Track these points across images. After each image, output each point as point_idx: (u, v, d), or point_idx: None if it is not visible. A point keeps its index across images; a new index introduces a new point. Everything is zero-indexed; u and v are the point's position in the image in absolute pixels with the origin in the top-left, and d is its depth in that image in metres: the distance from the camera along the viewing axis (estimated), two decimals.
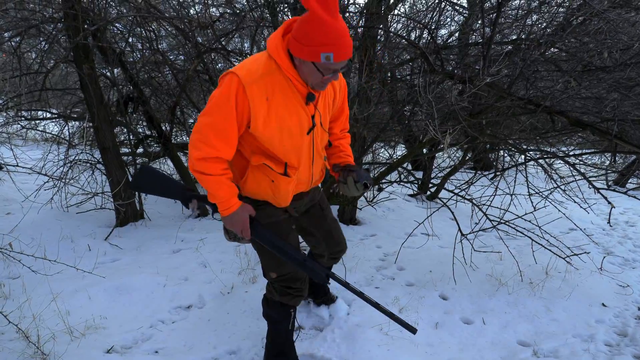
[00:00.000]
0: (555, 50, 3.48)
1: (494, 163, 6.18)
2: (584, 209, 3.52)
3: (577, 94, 2.80)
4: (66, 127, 4.96)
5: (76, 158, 4.67)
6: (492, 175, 4.85)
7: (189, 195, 1.81)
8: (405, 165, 5.17)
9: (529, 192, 3.47)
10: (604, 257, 3.67)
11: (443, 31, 5.19)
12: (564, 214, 3.59)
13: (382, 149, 6.39)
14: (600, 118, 2.71)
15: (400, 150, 7.05)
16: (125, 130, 4.94)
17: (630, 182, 7.58)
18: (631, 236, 4.75)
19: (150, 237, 3.85)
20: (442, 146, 2.75)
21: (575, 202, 3.51)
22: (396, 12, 4.07)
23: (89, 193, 4.43)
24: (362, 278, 3.10)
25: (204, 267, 3.16)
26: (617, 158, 7.49)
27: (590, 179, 3.17)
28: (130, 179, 1.90)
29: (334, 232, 2.10)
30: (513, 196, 3.56)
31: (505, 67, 2.72)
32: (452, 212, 3.37)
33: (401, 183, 4.57)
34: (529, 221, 3.35)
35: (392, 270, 3.28)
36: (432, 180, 5.53)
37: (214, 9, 4.79)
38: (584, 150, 4.06)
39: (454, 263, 3.13)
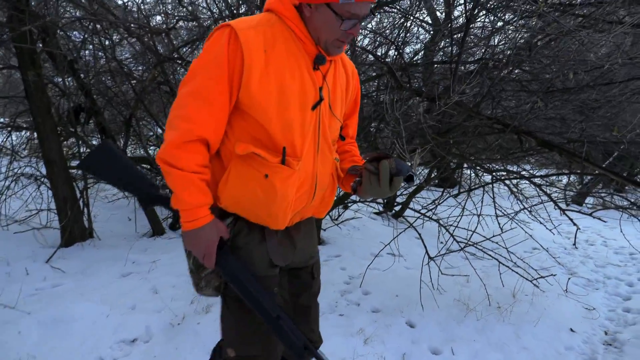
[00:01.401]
0: (518, 71, 3.48)
1: (459, 180, 6.18)
2: (550, 230, 3.50)
3: (544, 115, 2.77)
4: (9, 138, 4.60)
5: (19, 172, 4.33)
6: (458, 194, 4.81)
7: (150, 193, 1.38)
8: None
9: (496, 213, 3.42)
10: (569, 279, 3.64)
11: (409, 49, 5.17)
12: (531, 236, 3.55)
13: None
14: (567, 139, 2.67)
15: None
16: (79, 142, 4.63)
17: (586, 203, 7.77)
18: (592, 255, 4.80)
19: (98, 258, 3.55)
20: (413, 162, 2.64)
21: (541, 223, 3.48)
22: (361, 26, 3.98)
23: (31, 210, 4.10)
24: (326, 304, 2.93)
25: (154, 294, 2.91)
26: (572, 177, 7.71)
27: (555, 199, 3.15)
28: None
29: (312, 311, 1.55)
30: (480, 217, 3.50)
31: (473, 85, 2.65)
32: (419, 234, 3.26)
33: (366, 201, 4.46)
34: (496, 242, 3.28)
35: (357, 295, 3.13)
36: (397, 199, 5.45)
37: (181, 23, 4.60)
38: (549, 172, 4.07)
39: (421, 287, 3.01)
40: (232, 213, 1.32)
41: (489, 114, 2.88)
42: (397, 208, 5.48)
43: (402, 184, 1.32)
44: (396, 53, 3.22)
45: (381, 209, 5.63)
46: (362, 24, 1.28)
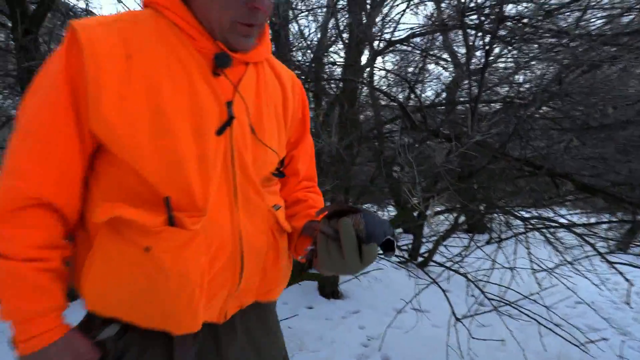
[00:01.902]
0: (547, 108, 3.19)
1: (489, 229, 5.75)
2: (597, 286, 3.06)
3: (581, 154, 2.44)
4: None
5: None
6: (488, 242, 4.42)
7: None
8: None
9: (532, 267, 3.02)
10: (623, 342, 3.16)
11: (430, 89, 4.97)
12: (575, 292, 3.12)
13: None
14: (611, 181, 2.33)
15: (392, 212, 6.63)
16: None
17: (632, 253, 7.12)
18: None
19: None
20: (428, 213, 2.34)
21: (586, 277, 3.06)
22: (376, 65, 3.80)
23: None
24: None
25: None
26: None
27: (599, 249, 2.76)
28: None
29: None
30: (514, 271, 3.11)
31: (497, 123, 2.38)
32: (444, 291, 2.89)
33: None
34: (534, 300, 2.88)
35: None
36: (422, 247, 5.07)
37: None
38: (590, 219, 3.66)
39: (447, 353, 2.61)
40: (115, 319, 0.81)
41: (517, 155, 2.58)
42: (423, 257, 5.09)
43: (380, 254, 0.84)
44: (410, 92, 3.00)
45: (405, 257, 5.25)
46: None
